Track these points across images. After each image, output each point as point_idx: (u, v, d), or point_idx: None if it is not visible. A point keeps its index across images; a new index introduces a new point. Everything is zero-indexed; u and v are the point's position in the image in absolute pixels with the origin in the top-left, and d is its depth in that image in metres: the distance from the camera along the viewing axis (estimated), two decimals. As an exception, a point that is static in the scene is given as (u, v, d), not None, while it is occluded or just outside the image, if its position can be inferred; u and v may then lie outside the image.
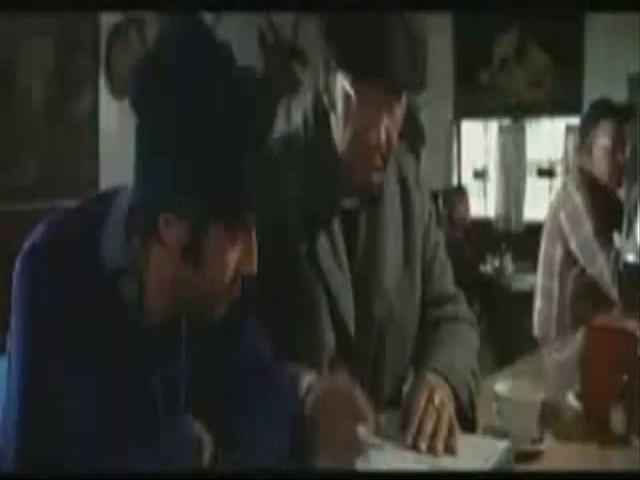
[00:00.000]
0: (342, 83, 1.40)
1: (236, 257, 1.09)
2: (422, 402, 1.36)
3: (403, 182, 1.64)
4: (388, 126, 1.42)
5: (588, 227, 2.85)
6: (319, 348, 1.47)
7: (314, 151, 1.51)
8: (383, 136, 1.42)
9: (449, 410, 1.37)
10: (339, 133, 1.46)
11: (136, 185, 1.08)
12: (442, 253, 1.69)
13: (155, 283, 1.11)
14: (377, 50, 1.36)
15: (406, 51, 1.36)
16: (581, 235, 2.87)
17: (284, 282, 1.46)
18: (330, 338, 1.48)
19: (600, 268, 2.83)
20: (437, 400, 1.36)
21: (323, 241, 1.48)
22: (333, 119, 1.47)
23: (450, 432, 1.32)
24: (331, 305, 1.48)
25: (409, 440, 1.31)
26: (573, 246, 2.90)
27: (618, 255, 2.76)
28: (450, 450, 1.30)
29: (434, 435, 1.31)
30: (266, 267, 1.29)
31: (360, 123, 1.42)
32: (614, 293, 2.79)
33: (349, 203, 1.53)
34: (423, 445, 1.30)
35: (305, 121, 1.54)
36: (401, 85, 1.40)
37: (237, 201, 1.05)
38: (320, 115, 1.50)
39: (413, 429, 1.32)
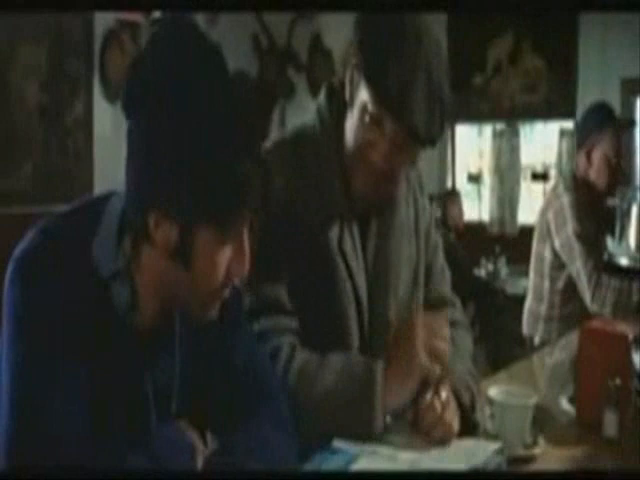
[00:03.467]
0: (364, 96, 1.38)
1: (227, 258, 1.09)
2: (428, 397, 1.38)
3: (410, 185, 1.64)
4: (392, 155, 1.39)
5: (570, 227, 2.87)
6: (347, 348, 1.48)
7: (328, 144, 1.49)
8: (381, 162, 1.40)
9: (452, 407, 1.40)
10: (349, 133, 1.44)
11: (127, 186, 1.08)
12: (441, 256, 1.70)
13: (147, 285, 1.11)
14: (402, 92, 1.32)
15: (426, 103, 1.33)
16: (564, 234, 2.89)
17: (315, 273, 1.46)
18: (356, 339, 1.49)
19: (578, 269, 2.85)
20: (443, 396, 1.39)
21: (348, 240, 1.48)
22: (349, 115, 1.45)
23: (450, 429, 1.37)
24: (358, 306, 1.49)
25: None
26: (557, 246, 2.93)
27: (606, 260, 2.78)
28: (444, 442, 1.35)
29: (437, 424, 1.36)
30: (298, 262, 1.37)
31: (364, 139, 1.41)
32: (587, 296, 2.81)
33: (360, 208, 1.51)
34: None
35: (319, 113, 1.52)
36: (413, 137, 1.36)
37: (226, 201, 1.05)
38: (336, 109, 1.49)
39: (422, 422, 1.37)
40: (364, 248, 1.53)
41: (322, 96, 1.54)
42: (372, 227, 1.54)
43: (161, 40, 1.06)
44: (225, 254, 1.09)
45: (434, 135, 1.37)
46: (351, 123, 1.44)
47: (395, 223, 1.56)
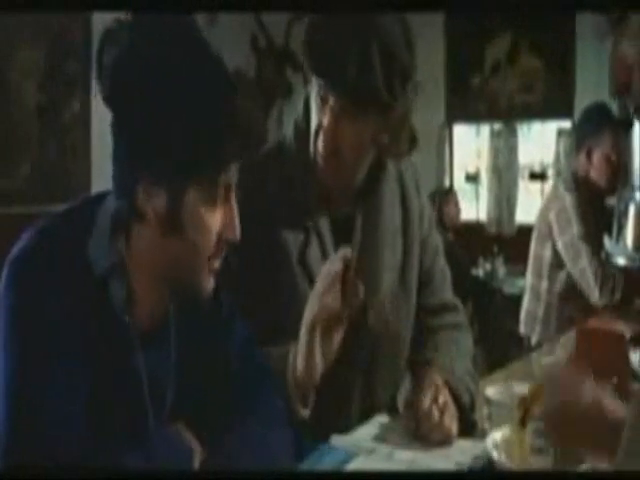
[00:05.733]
0: (316, 89, 1.39)
1: (218, 221, 1.10)
2: (426, 403, 1.38)
3: (402, 186, 1.62)
4: (339, 129, 1.39)
5: (575, 228, 2.87)
6: None
7: (301, 157, 1.48)
8: (329, 140, 1.40)
9: (451, 411, 1.39)
10: (316, 139, 1.44)
11: (114, 171, 1.09)
12: (442, 259, 1.68)
13: (142, 274, 1.11)
14: (334, 57, 1.33)
15: (381, 67, 1.33)
16: (568, 235, 2.89)
17: (273, 287, 1.45)
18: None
19: (582, 268, 2.85)
20: (441, 400, 1.39)
21: (314, 247, 1.47)
22: (313, 124, 1.45)
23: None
24: None
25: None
26: (559, 246, 2.92)
27: (604, 258, 2.78)
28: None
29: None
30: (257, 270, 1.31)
31: (318, 125, 1.41)
32: (595, 294, 2.81)
33: (343, 207, 1.51)
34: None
35: (296, 128, 1.52)
36: (369, 100, 1.35)
37: (213, 163, 1.06)
38: (309, 122, 1.49)
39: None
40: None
41: (301, 104, 1.53)
42: (356, 227, 1.52)
43: (155, 36, 1.08)
44: (215, 218, 1.09)
45: (378, 95, 1.35)
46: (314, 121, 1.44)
47: (380, 221, 1.54)
